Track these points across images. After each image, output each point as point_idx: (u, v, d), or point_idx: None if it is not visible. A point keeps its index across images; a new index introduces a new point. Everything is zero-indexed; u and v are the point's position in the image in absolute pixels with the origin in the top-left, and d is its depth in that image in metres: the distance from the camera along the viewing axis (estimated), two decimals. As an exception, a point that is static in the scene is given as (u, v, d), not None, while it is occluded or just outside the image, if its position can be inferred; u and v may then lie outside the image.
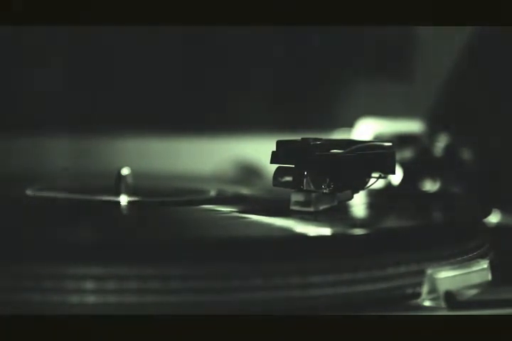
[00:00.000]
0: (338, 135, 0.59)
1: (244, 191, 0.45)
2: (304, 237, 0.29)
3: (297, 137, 0.34)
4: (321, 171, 0.33)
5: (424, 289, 0.29)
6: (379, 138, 0.51)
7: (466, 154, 0.50)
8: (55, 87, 0.63)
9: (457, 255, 0.32)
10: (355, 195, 0.36)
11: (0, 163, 0.60)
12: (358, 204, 0.37)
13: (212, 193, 0.42)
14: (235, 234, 0.30)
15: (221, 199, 0.41)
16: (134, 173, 0.40)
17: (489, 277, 0.31)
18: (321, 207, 0.33)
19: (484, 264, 0.31)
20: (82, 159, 0.63)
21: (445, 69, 0.60)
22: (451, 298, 0.28)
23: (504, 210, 0.44)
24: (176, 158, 0.63)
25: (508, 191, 0.50)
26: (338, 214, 0.34)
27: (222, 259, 0.27)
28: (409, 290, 0.29)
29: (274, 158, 0.34)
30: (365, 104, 0.65)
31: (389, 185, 0.48)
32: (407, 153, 0.50)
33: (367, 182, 0.35)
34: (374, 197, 0.41)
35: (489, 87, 0.55)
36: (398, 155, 0.36)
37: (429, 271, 0.29)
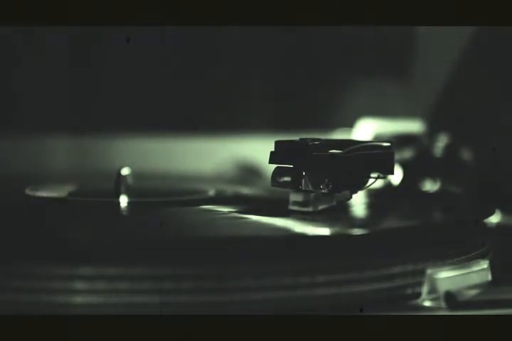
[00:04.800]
0: (338, 135, 0.59)
1: (244, 191, 0.45)
2: (302, 237, 0.29)
3: (296, 137, 0.34)
4: (320, 171, 0.33)
5: (424, 289, 0.29)
6: (379, 138, 0.51)
7: (466, 154, 0.50)
8: (55, 86, 0.63)
9: (457, 255, 0.32)
10: (354, 195, 0.36)
11: (0, 163, 0.60)
12: (357, 205, 0.37)
13: (212, 193, 0.42)
14: (234, 234, 0.30)
15: (221, 199, 0.41)
16: (133, 173, 0.40)
17: (489, 277, 0.31)
18: (320, 207, 0.33)
19: (484, 264, 0.31)
20: (82, 159, 0.63)
21: (445, 69, 0.60)
22: (451, 298, 0.28)
23: (504, 210, 0.44)
24: (175, 158, 0.63)
25: (508, 191, 0.50)
26: (337, 214, 0.34)
27: (222, 259, 0.27)
28: (409, 290, 0.29)
29: (273, 158, 0.34)
30: (365, 104, 0.65)
31: (388, 185, 0.48)
32: (406, 153, 0.50)
33: (366, 183, 0.35)
34: (373, 197, 0.41)
35: (489, 87, 0.55)
36: (398, 155, 0.36)
37: (429, 271, 0.29)
